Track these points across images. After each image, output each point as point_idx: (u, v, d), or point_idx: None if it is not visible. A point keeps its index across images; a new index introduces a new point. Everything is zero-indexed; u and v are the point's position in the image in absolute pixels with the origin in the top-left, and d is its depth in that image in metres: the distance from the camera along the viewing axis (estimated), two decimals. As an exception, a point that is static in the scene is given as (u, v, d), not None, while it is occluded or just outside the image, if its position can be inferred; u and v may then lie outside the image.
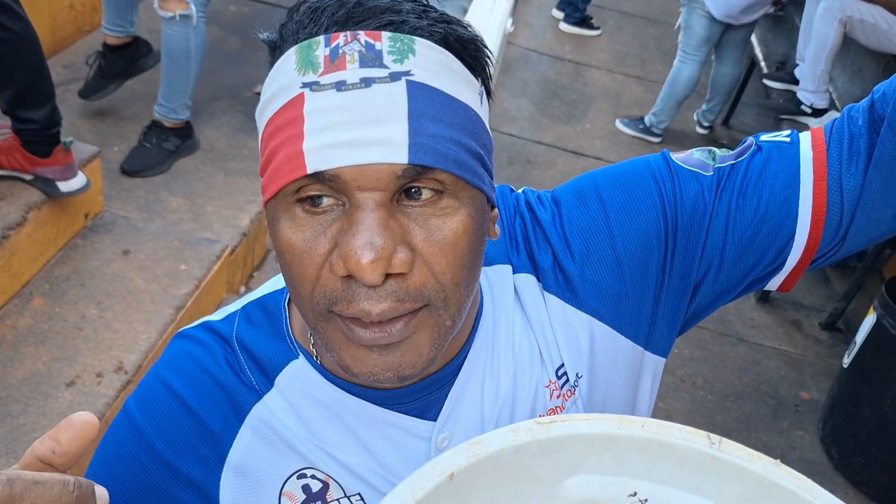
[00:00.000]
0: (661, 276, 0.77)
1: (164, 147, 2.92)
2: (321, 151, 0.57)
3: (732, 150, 0.81)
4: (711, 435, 0.57)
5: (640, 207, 0.77)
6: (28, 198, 2.23)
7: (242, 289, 2.84)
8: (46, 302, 2.26)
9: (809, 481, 0.55)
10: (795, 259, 0.78)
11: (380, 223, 0.57)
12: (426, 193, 0.59)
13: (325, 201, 0.59)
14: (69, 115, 3.04)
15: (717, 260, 0.78)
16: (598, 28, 5.88)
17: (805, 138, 0.78)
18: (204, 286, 2.47)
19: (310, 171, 0.57)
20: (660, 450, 0.58)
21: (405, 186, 0.58)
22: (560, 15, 5.88)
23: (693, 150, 0.82)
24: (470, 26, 0.64)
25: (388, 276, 0.58)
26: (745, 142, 0.82)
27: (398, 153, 0.56)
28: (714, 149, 0.82)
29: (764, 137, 0.81)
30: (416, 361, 0.63)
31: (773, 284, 0.81)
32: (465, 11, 3.05)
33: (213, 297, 2.58)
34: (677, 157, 0.80)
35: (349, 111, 0.57)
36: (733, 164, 0.78)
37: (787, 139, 0.79)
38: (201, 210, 2.79)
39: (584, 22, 5.83)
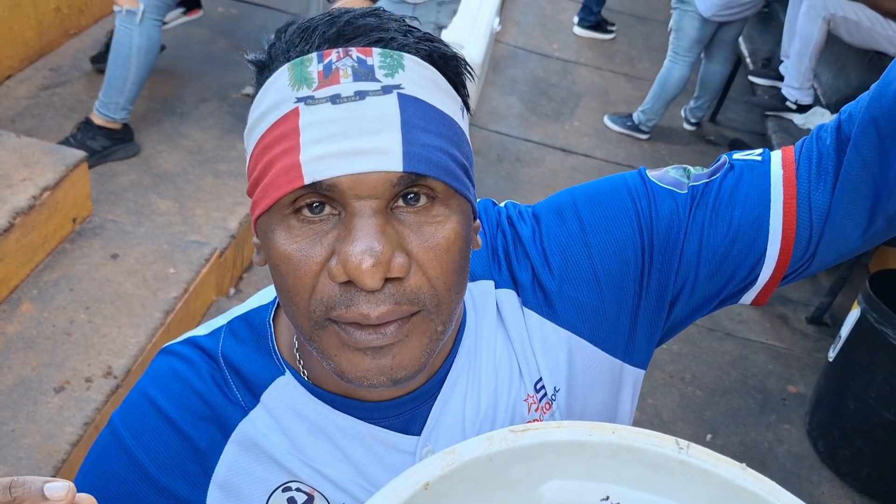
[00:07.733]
0: (638, 291, 0.79)
1: (87, 145, 2.84)
2: (318, 162, 0.58)
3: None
4: (679, 440, 0.59)
5: (617, 225, 0.79)
6: (15, 203, 2.23)
7: (232, 291, 2.84)
8: (35, 307, 2.26)
9: (773, 484, 0.57)
10: (767, 275, 0.79)
11: (378, 229, 0.59)
12: (422, 199, 0.61)
13: (325, 209, 0.61)
14: (55, 118, 3.04)
15: (692, 276, 0.79)
16: (611, 32, 5.88)
17: (776, 157, 0.80)
18: (193, 289, 2.47)
19: (307, 181, 0.58)
20: (630, 455, 0.60)
21: (399, 194, 0.60)
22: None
23: (669, 168, 0.84)
24: (450, 45, 0.66)
25: (385, 280, 0.60)
26: (718, 160, 0.83)
27: (393, 161, 0.58)
28: (689, 167, 0.84)
29: (737, 156, 0.82)
30: (409, 364, 0.64)
31: (747, 299, 0.82)
32: (454, 13, 3.04)
33: (203, 300, 2.59)
34: (653, 174, 0.82)
35: (344, 123, 0.59)
36: (707, 183, 0.80)
37: (759, 158, 0.81)
38: (190, 213, 2.79)
39: (599, 26, 5.82)
